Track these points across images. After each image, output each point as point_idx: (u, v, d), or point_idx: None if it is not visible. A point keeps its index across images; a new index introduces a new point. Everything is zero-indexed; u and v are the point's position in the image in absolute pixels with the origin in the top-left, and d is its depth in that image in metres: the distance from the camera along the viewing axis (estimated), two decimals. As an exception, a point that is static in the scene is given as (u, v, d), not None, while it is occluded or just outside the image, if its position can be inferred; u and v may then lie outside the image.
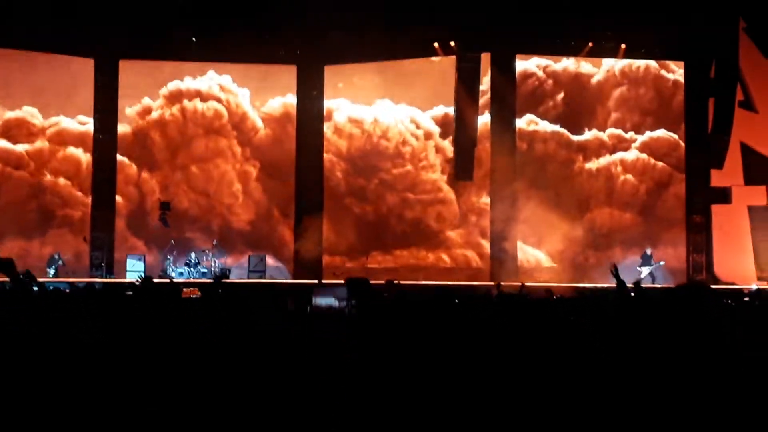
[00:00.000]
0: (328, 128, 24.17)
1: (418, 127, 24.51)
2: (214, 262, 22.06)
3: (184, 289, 14.51)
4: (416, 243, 23.81)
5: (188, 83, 24.39)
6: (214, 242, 22.72)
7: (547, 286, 15.23)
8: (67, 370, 4.72)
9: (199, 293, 14.91)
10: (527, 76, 24.23)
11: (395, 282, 17.45)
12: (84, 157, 23.88)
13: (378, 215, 24.21)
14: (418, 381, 4.52)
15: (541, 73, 24.43)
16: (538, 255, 23.41)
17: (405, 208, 24.17)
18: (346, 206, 24.08)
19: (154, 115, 24.34)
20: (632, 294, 5.77)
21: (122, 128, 23.78)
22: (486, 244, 23.33)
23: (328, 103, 24.17)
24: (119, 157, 23.61)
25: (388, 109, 24.49)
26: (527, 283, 16.33)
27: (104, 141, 23.41)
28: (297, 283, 20.99)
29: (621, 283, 5.89)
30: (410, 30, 21.75)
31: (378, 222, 24.20)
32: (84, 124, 23.77)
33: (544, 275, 22.46)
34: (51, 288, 8.34)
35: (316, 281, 20.56)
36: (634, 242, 23.29)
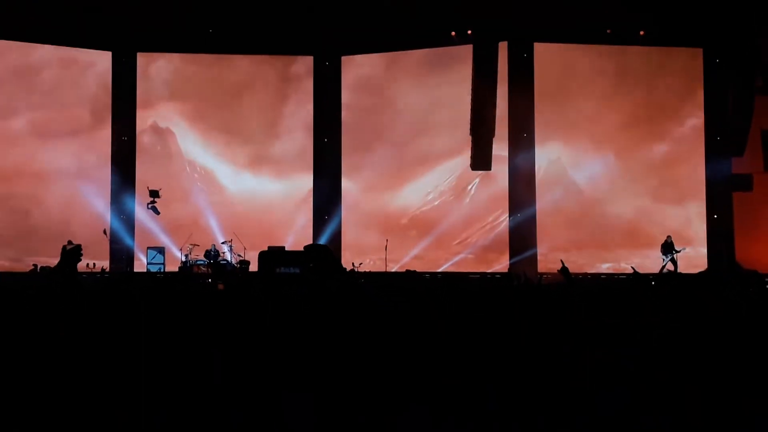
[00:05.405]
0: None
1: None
2: (234, 254, 22.04)
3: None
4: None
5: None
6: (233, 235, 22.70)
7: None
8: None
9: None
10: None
11: (414, 272, 17.39)
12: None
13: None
14: None
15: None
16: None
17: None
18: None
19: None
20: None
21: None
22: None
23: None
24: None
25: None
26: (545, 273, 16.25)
27: (123, 133, 23.61)
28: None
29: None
30: (426, 19, 21.63)
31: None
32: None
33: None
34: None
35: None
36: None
